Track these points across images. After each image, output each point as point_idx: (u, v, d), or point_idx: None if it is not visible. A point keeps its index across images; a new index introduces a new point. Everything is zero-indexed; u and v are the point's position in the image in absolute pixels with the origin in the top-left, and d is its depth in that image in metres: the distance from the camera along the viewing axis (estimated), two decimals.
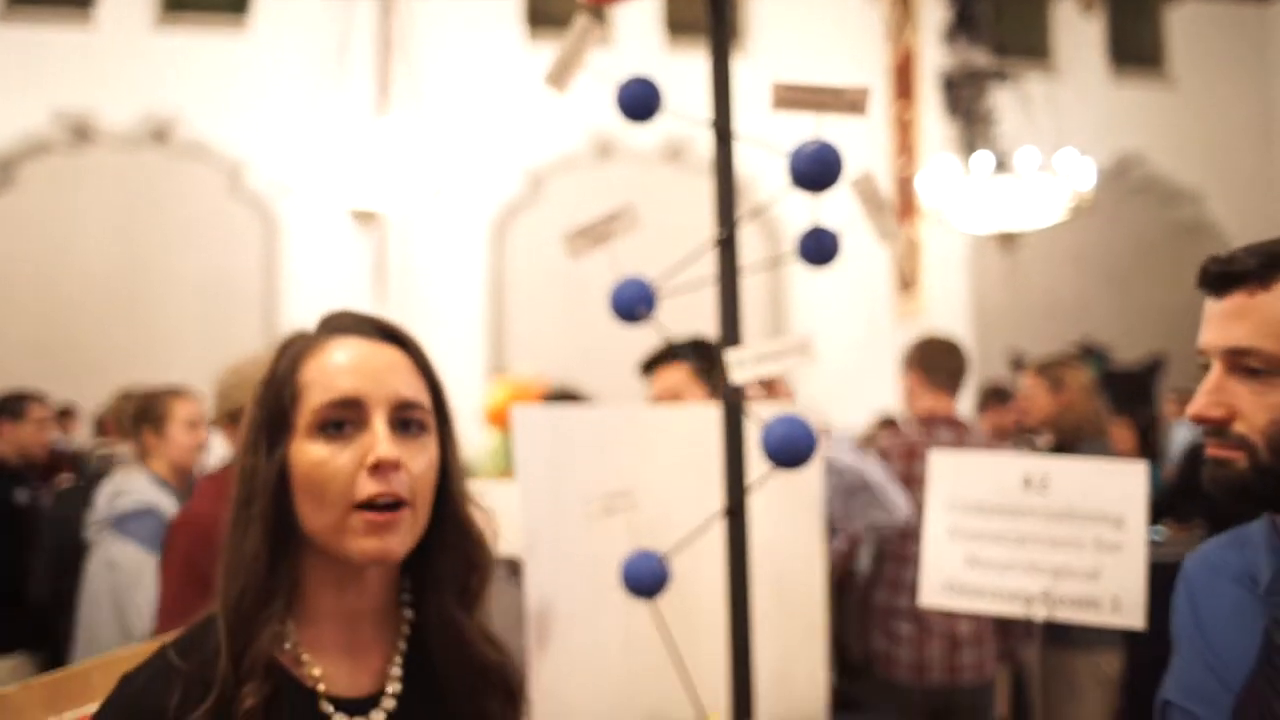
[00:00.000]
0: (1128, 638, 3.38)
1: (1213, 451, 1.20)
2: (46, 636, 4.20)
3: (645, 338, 1.96)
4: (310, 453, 1.03)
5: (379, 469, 1.02)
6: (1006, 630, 3.30)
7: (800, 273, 10.30)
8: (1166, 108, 12.17)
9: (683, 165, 10.37)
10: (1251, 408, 1.17)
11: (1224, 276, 1.20)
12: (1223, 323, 1.20)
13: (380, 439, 1.03)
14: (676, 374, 2.66)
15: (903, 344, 3.89)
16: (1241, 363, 1.18)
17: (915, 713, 3.14)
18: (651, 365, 2.75)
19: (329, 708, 1.06)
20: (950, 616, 3.15)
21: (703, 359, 2.63)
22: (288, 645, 1.06)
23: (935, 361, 3.46)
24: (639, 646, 2.00)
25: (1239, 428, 1.18)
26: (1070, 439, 3.60)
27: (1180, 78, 12.40)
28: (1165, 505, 4.51)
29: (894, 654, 3.28)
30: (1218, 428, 1.19)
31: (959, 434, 3.36)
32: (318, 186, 8.21)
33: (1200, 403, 1.20)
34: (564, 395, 3.99)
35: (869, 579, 3.44)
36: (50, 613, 4.12)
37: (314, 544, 1.05)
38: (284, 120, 8.78)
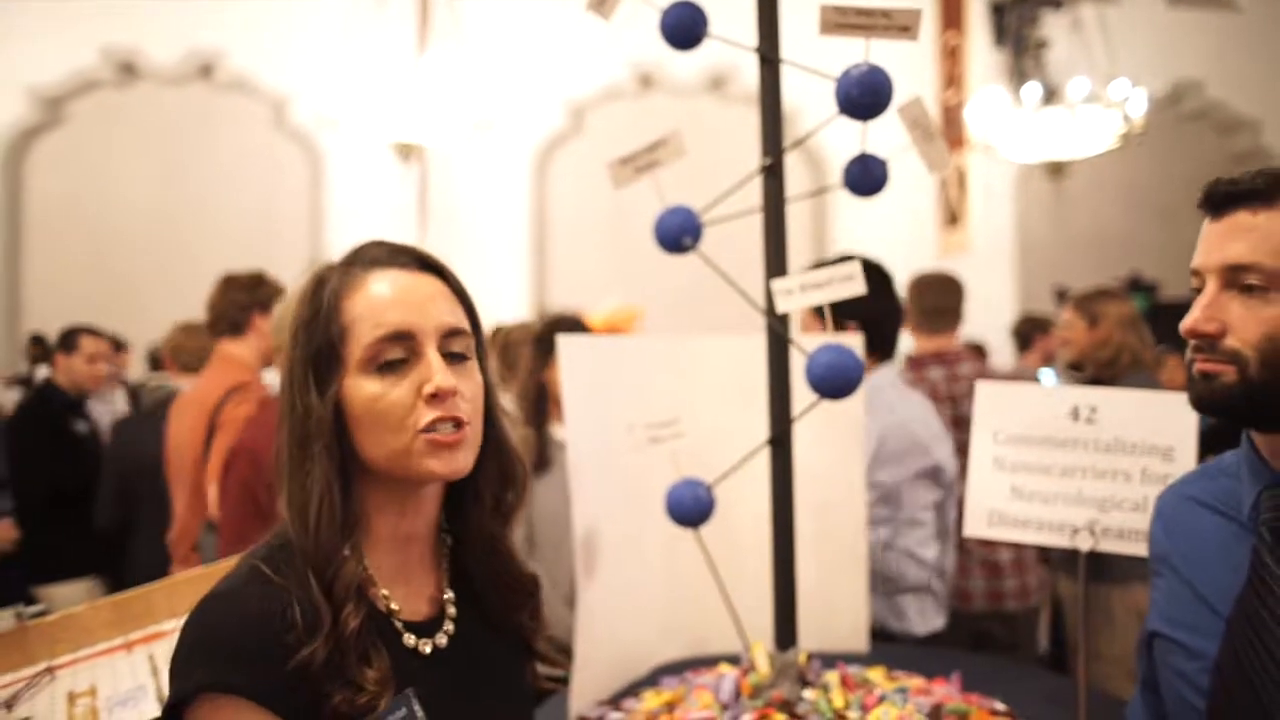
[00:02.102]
0: None
1: (1201, 366, 1.23)
2: (111, 561, 4.34)
3: (690, 267, 1.94)
4: (365, 389, 1.05)
5: (438, 397, 1.04)
6: (1047, 558, 3.31)
7: (842, 205, 10.19)
8: (1227, 32, 11.76)
9: (725, 97, 10.22)
10: (1243, 322, 1.19)
11: (1229, 196, 1.22)
12: (1221, 240, 1.22)
13: (436, 369, 1.05)
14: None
15: None
16: (1239, 279, 1.20)
17: (958, 639, 3.16)
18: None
19: (401, 628, 1.09)
20: (989, 544, 3.16)
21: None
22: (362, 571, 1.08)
23: (918, 304, 3.56)
24: (683, 574, 2.03)
25: (1230, 342, 1.20)
26: (1108, 372, 3.57)
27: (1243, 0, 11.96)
28: (1211, 442, 4.42)
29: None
30: (1210, 342, 1.21)
31: (949, 368, 3.43)
32: (361, 120, 8.20)
33: (1194, 317, 1.22)
34: (568, 324, 3.34)
35: None
36: (115, 538, 4.25)
37: (373, 471, 1.07)
38: (327, 54, 8.77)
